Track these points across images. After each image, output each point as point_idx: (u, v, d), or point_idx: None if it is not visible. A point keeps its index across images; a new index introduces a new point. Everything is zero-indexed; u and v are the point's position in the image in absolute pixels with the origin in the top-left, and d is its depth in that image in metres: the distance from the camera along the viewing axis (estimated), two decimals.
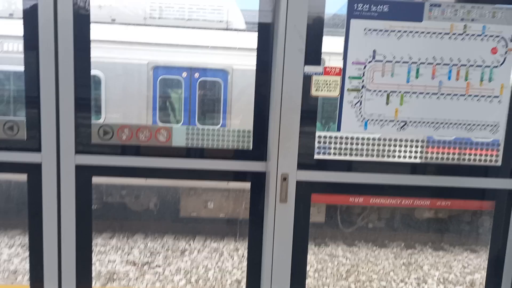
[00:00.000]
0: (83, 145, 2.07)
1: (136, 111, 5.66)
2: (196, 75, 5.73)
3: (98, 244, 5.80)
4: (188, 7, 5.45)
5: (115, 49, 5.45)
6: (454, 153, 2.10)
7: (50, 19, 1.94)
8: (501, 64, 2.00)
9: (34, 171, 2.04)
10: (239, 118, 5.58)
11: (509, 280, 2.21)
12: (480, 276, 5.48)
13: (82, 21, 1.98)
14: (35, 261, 2.11)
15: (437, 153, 2.10)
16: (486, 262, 2.28)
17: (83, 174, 2.07)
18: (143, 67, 5.59)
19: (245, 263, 5.40)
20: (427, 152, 2.09)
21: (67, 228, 2.09)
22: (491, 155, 2.12)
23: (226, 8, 5.61)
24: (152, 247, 5.87)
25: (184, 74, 5.71)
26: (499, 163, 2.13)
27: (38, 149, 2.03)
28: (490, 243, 2.24)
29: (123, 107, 5.61)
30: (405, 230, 6.53)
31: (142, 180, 5.64)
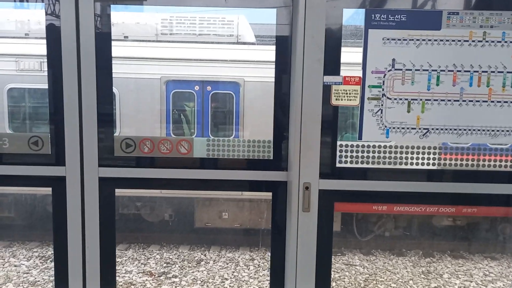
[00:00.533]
0: (106, 158, 2.10)
1: (150, 125, 5.74)
2: (209, 88, 5.80)
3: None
4: (198, 22, 5.55)
5: (129, 65, 5.56)
6: (479, 159, 2.08)
7: (73, 37, 2.00)
8: None
9: (58, 184, 2.08)
10: (254, 129, 5.61)
11: None
12: (503, 284, 5.36)
13: (103, 38, 2.04)
14: (61, 273, 2.14)
15: (460, 159, 2.08)
16: (509, 270, 2.22)
17: (107, 186, 2.10)
18: (156, 81, 5.68)
19: (261, 273, 5.40)
20: (450, 159, 2.07)
21: (91, 240, 2.12)
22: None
23: (236, 22, 5.69)
24: (168, 257, 5.88)
25: (197, 88, 5.79)
26: None
27: (62, 163, 2.07)
28: None
29: (137, 122, 5.70)
30: (423, 238, 6.43)
31: (157, 192, 5.69)
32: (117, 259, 5.70)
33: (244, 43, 5.77)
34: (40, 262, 5.60)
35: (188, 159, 2.15)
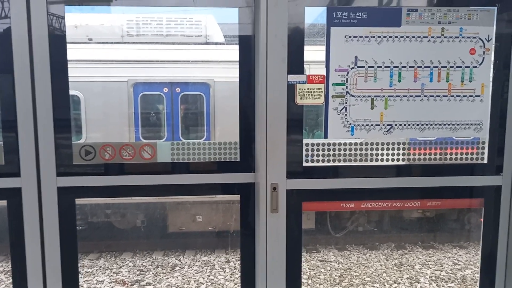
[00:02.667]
0: (64, 166, 2.00)
1: (118, 129, 5.58)
2: (178, 89, 5.71)
3: (85, 265, 5.64)
4: (166, 23, 5.45)
5: (94, 68, 5.39)
6: (441, 153, 2.12)
7: (25, 41, 1.89)
8: (480, 64, 2.04)
9: (14, 196, 1.97)
10: (225, 130, 5.56)
11: (502, 275, 2.23)
12: (471, 272, 5.55)
13: (58, 41, 1.94)
14: None
15: (424, 154, 2.12)
16: (476, 258, 2.29)
17: (66, 196, 2.00)
18: (123, 84, 5.54)
19: (237, 275, 5.36)
20: (410, 154, 2.11)
21: (51, 254, 2.02)
22: (477, 153, 2.15)
23: (204, 23, 5.63)
24: (141, 264, 5.75)
25: (166, 89, 5.69)
26: (485, 161, 2.16)
27: (17, 173, 1.95)
28: (481, 240, 2.26)
29: (104, 126, 5.54)
30: (395, 231, 6.58)
31: (128, 198, 5.54)
32: (88, 269, 5.54)
33: (213, 43, 5.71)
34: (6, 277, 5.34)
35: (152, 164, 2.09)
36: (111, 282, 5.24)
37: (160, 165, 2.10)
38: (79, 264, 5.61)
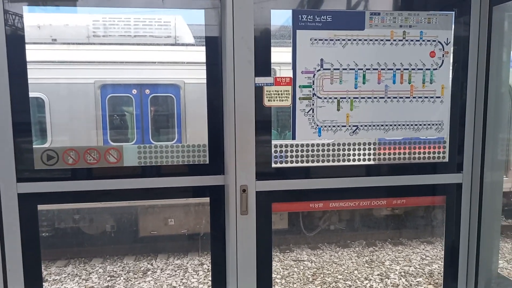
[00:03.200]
0: (25, 172, 1.93)
1: (85, 132, 5.43)
2: (147, 91, 5.61)
3: (53, 273, 5.45)
4: (133, 23, 5.34)
5: (58, 70, 5.22)
6: (404, 153, 2.18)
7: None
8: (440, 66, 2.12)
9: None
10: (196, 132, 5.51)
11: (464, 268, 2.32)
12: (438, 266, 5.75)
13: (16, 42, 1.86)
14: None
15: (389, 153, 2.18)
16: (442, 252, 2.38)
17: (27, 203, 1.93)
18: (89, 86, 5.39)
19: (210, 277, 5.32)
20: (379, 154, 2.16)
21: (13, 263, 1.94)
22: (438, 152, 2.23)
23: (173, 23, 5.56)
24: (112, 270, 5.61)
25: (134, 91, 5.58)
26: (446, 159, 2.25)
27: None
28: (444, 235, 2.34)
29: (70, 129, 5.37)
30: (366, 229, 6.73)
31: (96, 202, 5.38)
32: (56, 277, 5.35)
33: (183, 45, 5.65)
34: None
35: (118, 168, 2.04)
36: None
37: (127, 169, 2.05)
38: (46, 272, 5.43)
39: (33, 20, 5.08)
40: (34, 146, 1.96)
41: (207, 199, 2.13)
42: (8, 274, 1.94)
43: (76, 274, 5.49)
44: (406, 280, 5.40)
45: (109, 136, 5.48)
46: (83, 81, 5.37)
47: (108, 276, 5.44)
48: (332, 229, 6.53)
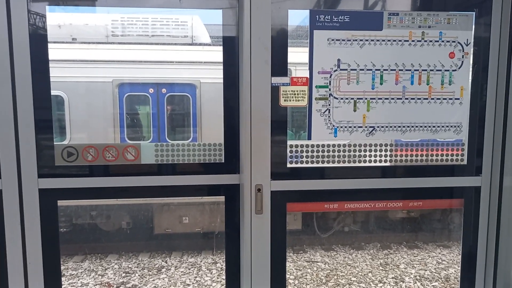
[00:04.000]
0: (46, 168, 1.98)
1: (103, 130, 5.52)
2: (164, 90, 5.67)
3: (70, 268, 5.57)
4: (151, 23, 5.41)
5: (78, 69, 5.32)
6: (421, 154, 2.16)
7: (5, 41, 1.86)
8: (459, 67, 2.09)
9: None
10: (211, 131, 5.55)
11: (482, 272, 2.28)
12: (454, 271, 5.65)
13: (39, 41, 1.92)
14: None
15: (406, 155, 2.16)
16: (459, 257, 2.34)
17: (48, 198, 1.98)
18: (107, 85, 5.48)
19: (223, 276, 5.35)
20: (396, 155, 2.14)
21: (33, 256, 1.99)
22: (457, 155, 2.19)
23: (190, 23, 5.61)
24: (127, 266, 5.70)
25: (151, 90, 5.65)
26: (465, 162, 2.21)
27: None
28: (462, 239, 2.31)
29: (89, 127, 5.47)
30: (380, 231, 6.66)
31: (113, 199, 5.48)
32: (72, 272, 5.46)
33: (199, 44, 5.69)
34: None
35: (136, 165, 2.07)
36: (96, 285, 5.18)
37: (144, 167, 2.09)
38: (63, 267, 5.54)
39: (54, 19, 5.20)
40: (54, 143, 2.01)
41: (221, 198, 2.15)
42: (28, 267, 1.99)
43: (93, 269, 5.60)
44: (421, 284, 5.32)
45: (126, 134, 5.56)
46: (102, 80, 5.47)
47: (123, 272, 5.52)
48: (347, 230, 6.49)
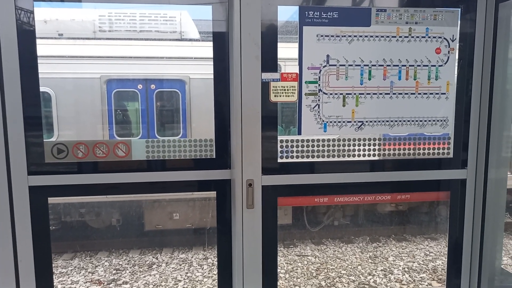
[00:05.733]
0: (36, 165, 1.97)
1: (91, 127, 5.48)
2: (152, 86, 5.64)
3: (59, 266, 5.53)
4: (139, 19, 5.36)
5: (65, 65, 5.26)
6: (409, 148, 2.20)
7: None
8: (445, 63, 2.13)
9: None
10: (201, 127, 5.54)
11: (468, 264, 2.33)
12: (441, 262, 5.76)
13: (27, 37, 1.90)
14: None
15: (394, 149, 2.20)
16: (446, 248, 2.39)
17: (38, 195, 1.97)
18: (95, 81, 5.43)
19: (215, 271, 5.37)
20: (384, 149, 2.18)
21: (24, 254, 1.98)
22: (443, 148, 2.24)
23: (179, 19, 5.57)
24: (117, 263, 5.68)
25: (140, 86, 5.61)
26: (451, 155, 2.26)
27: None
28: (448, 231, 2.36)
29: (77, 123, 5.42)
30: (369, 224, 6.75)
31: (103, 196, 5.45)
32: (62, 270, 5.43)
33: (188, 40, 5.66)
34: None
35: (127, 162, 2.07)
36: (86, 282, 5.16)
37: (135, 163, 2.09)
38: (53, 265, 5.48)
39: (40, 14, 5.11)
40: (44, 140, 1.99)
41: (212, 194, 2.16)
42: (20, 264, 1.98)
43: (83, 267, 5.57)
44: (409, 275, 5.42)
45: (115, 130, 5.53)
46: (89, 76, 5.42)
47: (114, 270, 5.51)
48: (336, 224, 6.56)
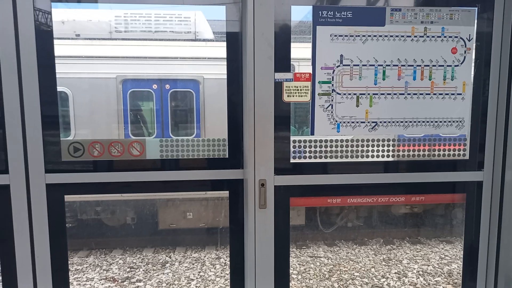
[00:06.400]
0: (53, 163, 2.01)
1: (107, 126, 5.56)
2: (167, 86, 5.70)
3: (75, 263, 5.62)
4: (154, 19, 5.42)
5: (82, 65, 5.36)
6: (424, 150, 2.17)
7: (11, 37, 1.88)
8: (462, 63, 2.09)
9: (2, 193, 1.96)
10: (214, 127, 5.57)
11: (484, 267, 2.29)
12: (457, 266, 5.66)
13: (44, 37, 1.94)
14: (10, 286, 2.03)
15: (408, 150, 2.17)
16: (461, 252, 2.35)
17: (55, 193, 2.01)
18: (111, 81, 5.51)
19: (227, 271, 5.39)
20: (398, 150, 2.16)
21: (41, 251, 2.02)
22: (459, 149, 2.20)
23: (193, 19, 5.62)
24: (131, 261, 5.75)
25: (155, 86, 5.67)
26: (467, 157, 2.22)
27: (5, 170, 1.95)
28: (464, 233, 2.32)
29: (93, 123, 5.51)
30: (383, 226, 6.68)
31: (118, 195, 5.53)
32: (78, 267, 5.52)
33: (202, 40, 5.70)
34: None
35: (141, 161, 2.10)
36: (101, 279, 5.24)
37: (149, 162, 2.11)
38: (69, 261, 5.58)
39: (57, 15, 5.20)
40: (61, 139, 2.04)
41: (225, 193, 2.17)
42: (36, 261, 2.03)
43: (98, 264, 5.65)
44: (424, 279, 5.34)
45: (130, 130, 5.60)
46: (105, 76, 5.50)
47: (128, 267, 5.58)
48: (350, 226, 6.51)
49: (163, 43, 5.59)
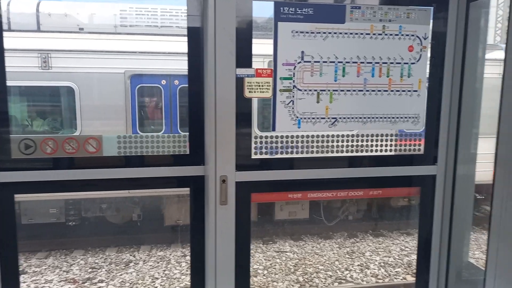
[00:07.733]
0: (1, 161, 1.90)
1: (115, 122, 5.38)
2: (176, 82, 5.57)
3: (33, 265, 5.39)
4: (160, 14, 5.29)
5: (88, 59, 5.10)
6: (381, 144, 2.23)
7: None
8: (418, 60, 2.16)
9: None
10: None
11: (436, 257, 2.39)
12: (416, 257, 5.88)
13: None
14: None
15: (367, 145, 2.22)
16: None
17: (4, 192, 1.90)
18: (119, 76, 5.31)
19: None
20: (357, 146, 2.20)
21: None
22: (415, 145, 2.28)
23: None
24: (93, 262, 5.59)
25: (164, 82, 5.54)
26: (422, 152, 2.30)
27: None
28: (418, 225, 2.40)
29: (100, 118, 5.31)
30: (347, 220, 6.85)
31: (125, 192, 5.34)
32: (36, 269, 5.29)
33: None
34: None
35: (97, 158, 2.02)
36: (60, 281, 5.04)
37: (106, 159, 2.04)
38: (26, 264, 5.35)
39: (60, 8, 4.91)
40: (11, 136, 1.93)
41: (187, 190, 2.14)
42: None
43: (57, 266, 5.44)
44: (385, 270, 5.52)
45: (138, 126, 5.46)
46: (113, 71, 5.30)
47: (89, 268, 5.41)
48: (350, 219, 6.72)
49: (170, 38, 5.45)
